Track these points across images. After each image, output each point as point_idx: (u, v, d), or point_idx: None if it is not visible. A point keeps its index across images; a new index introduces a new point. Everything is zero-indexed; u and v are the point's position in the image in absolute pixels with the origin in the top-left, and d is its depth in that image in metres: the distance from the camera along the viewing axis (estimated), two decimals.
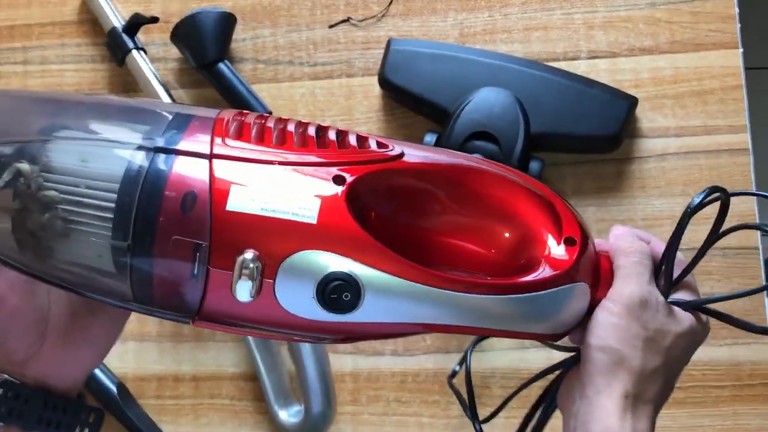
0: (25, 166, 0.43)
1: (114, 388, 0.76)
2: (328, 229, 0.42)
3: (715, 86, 0.74)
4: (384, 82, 0.75)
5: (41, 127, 0.45)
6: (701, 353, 0.70)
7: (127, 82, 0.82)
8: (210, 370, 0.77)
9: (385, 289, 0.43)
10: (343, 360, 0.75)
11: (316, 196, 0.42)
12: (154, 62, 0.80)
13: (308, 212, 0.42)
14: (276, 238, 0.42)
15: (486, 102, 0.71)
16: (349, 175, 0.44)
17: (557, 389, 0.51)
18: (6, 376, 0.48)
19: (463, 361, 0.66)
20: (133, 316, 0.78)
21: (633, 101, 0.73)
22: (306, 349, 0.71)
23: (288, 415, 0.74)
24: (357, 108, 0.79)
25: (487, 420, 0.59)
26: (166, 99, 0.79)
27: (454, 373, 0.71)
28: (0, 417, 0.48)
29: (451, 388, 0.71)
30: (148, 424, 0.76)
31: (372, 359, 0.75)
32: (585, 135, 0.72)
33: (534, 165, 0.71)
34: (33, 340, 0.49)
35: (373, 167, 0.45)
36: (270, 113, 0.79)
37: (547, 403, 0.52)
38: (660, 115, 0.75)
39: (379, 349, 0.76)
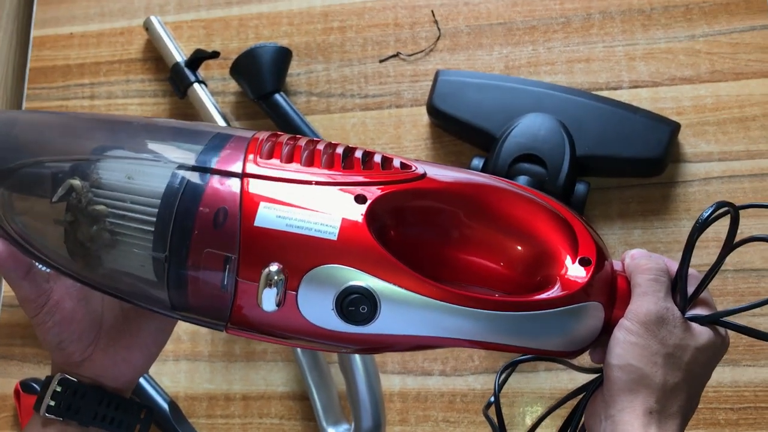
0: (77, 182, 0.48)
1: (166, 407, 0.77)
2: (348, 245, 0.45)
3: (757, 113, 0.76)
4: (432, 109, 0.79)
5: (94, 146, 0.50)
6: (754, 375, 0.71)
7: (188, 115, 0.87)
8: (260, 390, 0.79)
9: (400, 303, 0.45)
10: (392, 380, 0.76)
11: (338, 214, 0.45)
12: (213, 95, 0.85)
13: (330, 229, 0.45)
14: (299, 253, 0.45)
15: (531, 126, 0.74)
16: (371, 194, 0.47)
17: (583, 411, 0.51)
18: (65, 375, 0.52)
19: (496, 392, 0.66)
20: (186, 337, 0.81)
21: (675, 126, 0.75)
22: (357, 365, 0.72)
23: None
24: (405, 136, 0.82)
25: None
26: None
27: (489, 404, 0.71)
28: (59, 413, 0.51)
29: (486, 419, 0.70)
30: None
31: (420, 379, 0.76)
32: (629, 158, 0.74)
33: (580, 187, 0.73)
34: (88, 342, 0.52)
35: (395, 187, 0.48)
36: None
37: (573, 426, 0.52)
38: (703, 141, 0.76)
39: (427, 369, 0.76)
